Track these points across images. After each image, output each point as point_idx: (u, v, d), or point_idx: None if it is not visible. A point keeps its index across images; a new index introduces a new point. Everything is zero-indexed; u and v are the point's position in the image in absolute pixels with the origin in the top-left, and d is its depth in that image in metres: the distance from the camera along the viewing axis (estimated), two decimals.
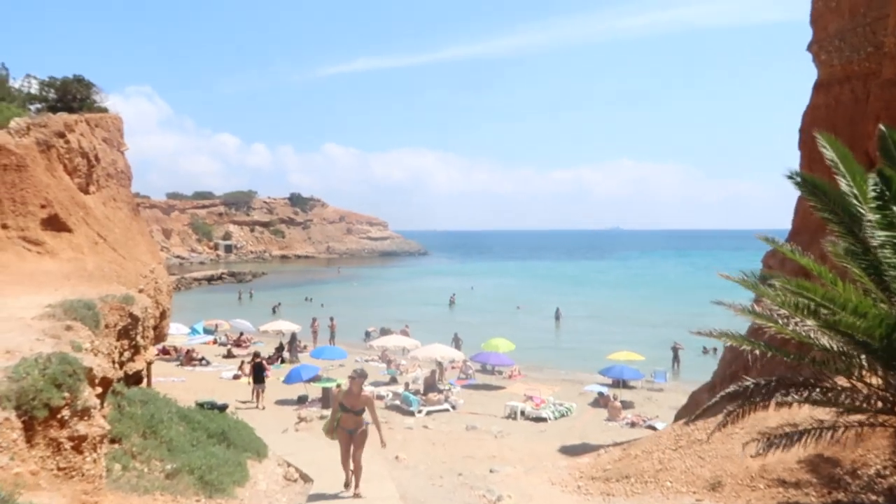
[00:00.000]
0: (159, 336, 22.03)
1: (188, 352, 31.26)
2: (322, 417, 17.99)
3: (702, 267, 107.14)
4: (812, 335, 6.26)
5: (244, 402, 22.45)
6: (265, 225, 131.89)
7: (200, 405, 18.36)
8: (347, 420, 9.21)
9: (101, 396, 8.10)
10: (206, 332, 38.71)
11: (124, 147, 23.79)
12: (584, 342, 39.20)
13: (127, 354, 13.09)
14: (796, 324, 6.17)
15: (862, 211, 6.11)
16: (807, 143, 16.40)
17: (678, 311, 52.92)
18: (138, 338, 13.64)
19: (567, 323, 47.72)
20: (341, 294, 67.23)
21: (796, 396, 5.87)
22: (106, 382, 8.05)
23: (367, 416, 9.34)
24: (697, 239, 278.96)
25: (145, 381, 18.05)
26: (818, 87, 15.98)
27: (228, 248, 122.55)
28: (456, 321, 49.28)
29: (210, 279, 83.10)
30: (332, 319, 37.51)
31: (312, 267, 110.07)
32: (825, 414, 7.24)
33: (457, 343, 32.35)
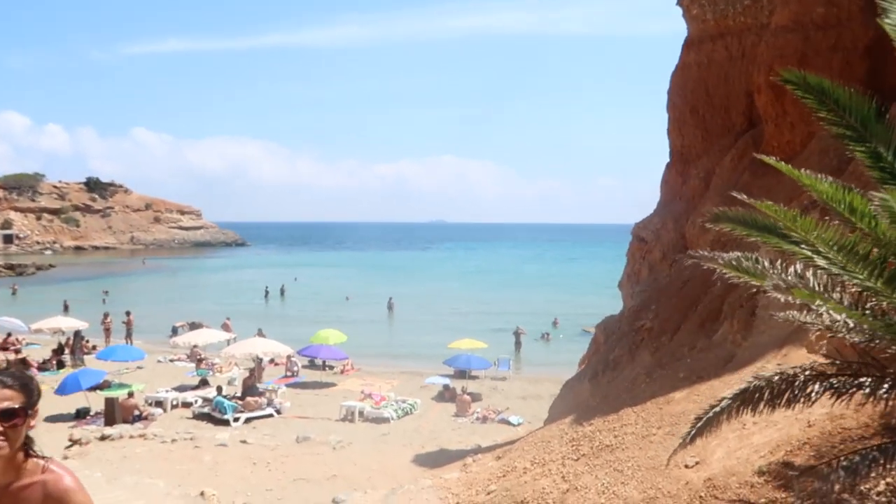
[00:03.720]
0: None
1: None
2: (104, 438, 13.78)
3: (528, 259, 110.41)
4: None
5: None
6: (55, 212, 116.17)
7: None
8: None
9: None
10: None
11: None
12: (419, 332, 37.11)
13: None
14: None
15: None
16: (676, 105, 15.15)
17: (511, 299, 52.83)
18: None
19: (400, 313, 45.51)
20: (145, 287, 59.95)
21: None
22: None
23: None
24: (518, 231, 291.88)
25: None
26: (688, 45, 14.71)
27: (8, 239, 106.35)
28: (281, 314, 45.30)
29: None
30: (128, 314, 31.88)
31: (113, 259, 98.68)
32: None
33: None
